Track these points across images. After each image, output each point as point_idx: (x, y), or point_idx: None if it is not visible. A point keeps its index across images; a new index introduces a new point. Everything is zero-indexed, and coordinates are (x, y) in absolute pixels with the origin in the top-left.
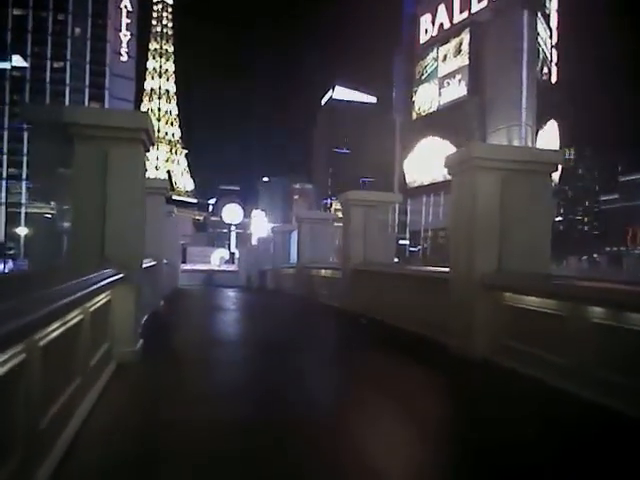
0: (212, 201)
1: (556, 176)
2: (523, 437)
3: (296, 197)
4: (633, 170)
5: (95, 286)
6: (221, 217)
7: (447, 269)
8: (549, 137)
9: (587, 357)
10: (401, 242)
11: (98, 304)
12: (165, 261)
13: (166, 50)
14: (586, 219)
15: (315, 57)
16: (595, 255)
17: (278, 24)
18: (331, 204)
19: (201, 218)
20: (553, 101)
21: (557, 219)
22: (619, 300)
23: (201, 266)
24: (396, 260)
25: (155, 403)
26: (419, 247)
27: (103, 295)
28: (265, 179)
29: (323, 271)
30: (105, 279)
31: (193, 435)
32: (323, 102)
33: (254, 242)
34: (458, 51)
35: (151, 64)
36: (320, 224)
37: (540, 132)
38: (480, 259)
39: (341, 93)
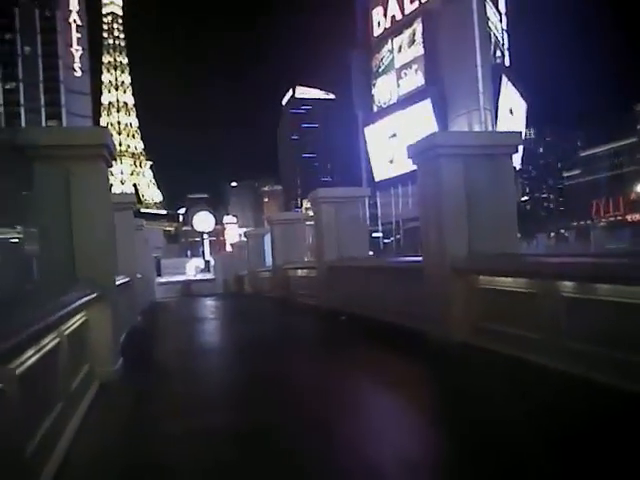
0: (182, 211)
1: (519, 157)
2: (505, 411)
3: (266, 200)
4: (592, 145)
5: (69, 308)
6: (192, 226)
7: (420, 257)
8: (513, 118)
9: (561, 331)
10: (374, 235)
11: (74, 326)
12: (139, 276)
13: (120, 62)
14: (551, 196)
15: (274, 57)
16: (563, 231)
17: (232, 25)
18: (301, 203)
19: (172, 229)
20: (510, 82)
21: (523, 199)
22: (586, 273)
23: (177, 277)
24: (371, 253)
25: (139, 421)
26: (392, 238)
27: (78, 316)
28: (234, 184)
29: (299, 271)
30: (78, 300)
31: (183, 452)
32: (284, 102)
33: (228, 248)
34: (412, 41)
35: (106, 77)
36: (292, 224)
37: (503, 114)
38: (450, 244)
39: (302, 92)
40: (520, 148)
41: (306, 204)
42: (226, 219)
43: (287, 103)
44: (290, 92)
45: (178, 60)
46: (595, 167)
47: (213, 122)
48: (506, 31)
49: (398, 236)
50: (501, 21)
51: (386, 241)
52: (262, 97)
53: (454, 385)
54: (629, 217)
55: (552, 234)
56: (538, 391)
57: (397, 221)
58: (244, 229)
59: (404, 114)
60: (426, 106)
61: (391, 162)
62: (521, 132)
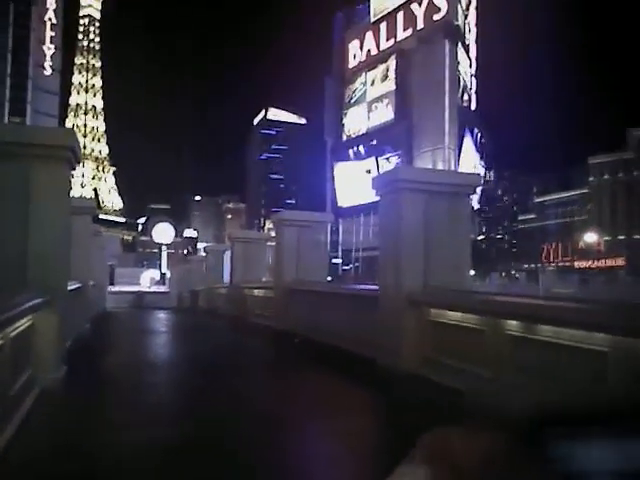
0: (142, 220)
1: (477, 197)
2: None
3: (229, 216)
4: (546, 192)
5: (15, 311)
6: (151, 237)
7: (376, 286)
8: (473, 159)
9: (505, 368)
10: (334, 261)
11: (19, 329)
12: (92, 283)
13: (93, 65)
14: (506, 237)
15: (248, 76)
16: (514, 272)
17: (212, 43)
18: (264, 223)
19: (130, 238)
20: (473, 126)
21: (480, 238)
22: (532, 313)
23: (130, 287)
24: (329, 279)
25: (76, 431)
26: (352, 265)
27: (24, 320)
28: (197, 198)
29: (256, 291)
30: (26, 303)
31: (114, 464)
32: (256, 122)
33: (186, 262)
34: (385, 77)
35: (77, 79)
36: (253, 243)
37: (463, 155)
38: (406, 276)
39: (274, 114)
40: (479, 189)
41: (269, 224)
42: (187, 232)
43: (258, 123)
44: (262, 113)
45: (152, 69)
46: (548, 213)
47: (181, 134)
48: (474, 76)
49: (357, 263)
50: (470, 66)
51: (345, 268)
52: (233, 114)
53: (391, 414)
54: (576, 264)
55: (504, 274)
56: (458, 417)
57: (357, 249)
58: (204, 244)
59: (372, 146)
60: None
61: (356, 191)
62: (479, 174)
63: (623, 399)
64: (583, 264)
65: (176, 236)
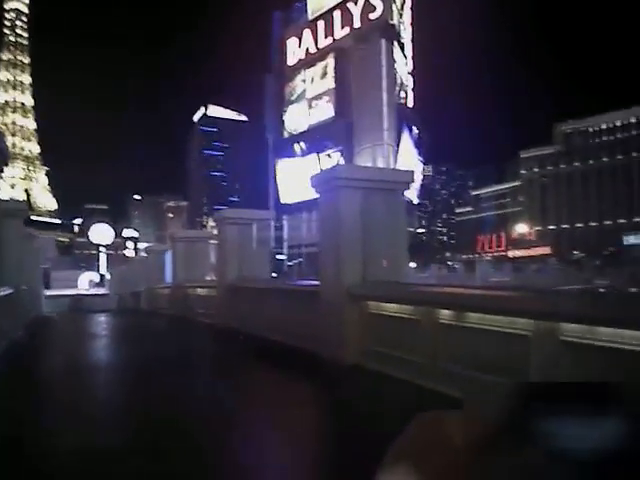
0: (78, 221)
1: (416, 191)
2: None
3: (170, 215)
4: (482, 185)
5: None
6: (89, 238)
7: (318, 282)
8: (411, 155)
9: (440, 355)
10: (279, 257)
11: None
12: (24, 287)
13: (21, 61)
14: (445, 230)
15: (188, 73)
16: (452, 263)
17: (149, 39)
18: (207, 222)
19: (67, 240)
20: (410, 123)
21: (420, 231)
22: (461, 302)
23: (67, 291)
24: (274, 275)
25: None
26: (296, 261)
27: None
28: (137, 197)
29: (199, 289)
30: None
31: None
32: (196, 119)
33: (126, 263)
34: (324, 74)
35: (4, 75)
36: (196, 242)
37: (402, 151)
38: (346, 271)
39: (214, 111)
40: (418, 184)
41: (211, 222)
42: (126, 232)
43: (198, 120)
44: (202, 110)
45: (87, 66)
46: (483, 206)
47: (119, 131)
48: (411, 74)
49: (301, 259)
50: (407, 64)
51: (290, 263)
52: (172, 111)
53: (336, 403)
54: (510, 253)
55: (444, 265)
56: (405, 407)
57: (301, 244)
58: (145, 244)
59: (313, 143)
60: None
61: (299, 187)
62: (413, 171)
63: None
64: (516, 253)
65: (115, 237)
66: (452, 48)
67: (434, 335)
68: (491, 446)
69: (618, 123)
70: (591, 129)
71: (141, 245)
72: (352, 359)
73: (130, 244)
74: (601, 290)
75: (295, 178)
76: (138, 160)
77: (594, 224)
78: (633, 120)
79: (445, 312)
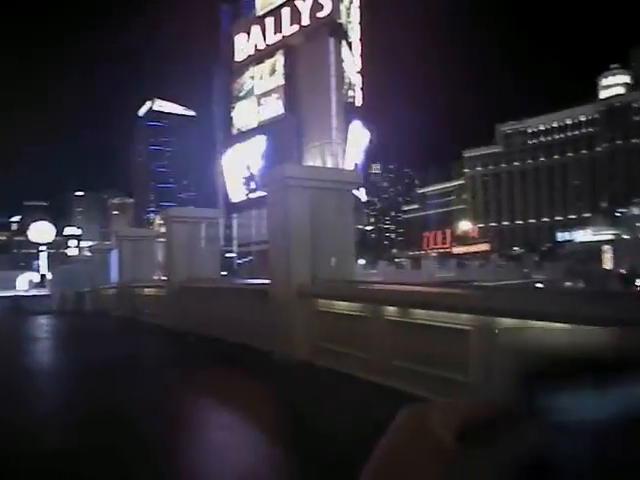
0: (16, 219)
1: (363, 189)
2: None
3: (115, 213)
4: (428, 183)
5: None
6: (28, 236)
7: (268, 280)
8: (359, 154)
9: (386, 350)
10: (228, 255)
11: None
12: None
13: None
14: (392, 227)
15: (133, 66)
16: (399, 259)
17: (90, 32)
18: (154, 220)
19: (4, 238)
20: (359, 122)
21: (369, 228)
22: (407, 300)
23: (4, 292)
24: (224, 274)
25: None
26: (246, 259)
27: None
28: (79, 193)
29: (147, 289)
30: None
31: None
32: (141, 113)
33: (70, 262)
34: (273, 71)
35: None
36: (143, 241)
37: (349, 149)
38: (295, 270)
39: (160, 105)
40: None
41: (159, 220)
42: (68, 231)
43: (144, 115)
44: (148, 104)
45: (23, 55)
46: (429, 204)
47: (60, 124)
48: (359, 73)
49: (251, 257)
50: (355, 63)
51: (239, 262)
52: (118, 106)
53: (285, 399)
54: (455, 250)
55: (392, 262)
56: (352, 401)
57: (251, 242)
58: (89, 242)
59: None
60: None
61: (247, 185)
62: (369, 170)
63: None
64: (460, 250)
65: (57, 235)
66: (400, 48)
67: (381, 331)
68: (482, 437)
69: (555, 124)
70: (530, 130)
71: (84, 244)
72: (302, 356)
73: (72, 243)
74: (538, 285)
75: (242, 175)
76: (81, 156)
77: (532, 221)
78: (569, 122)
79: (392, 309)
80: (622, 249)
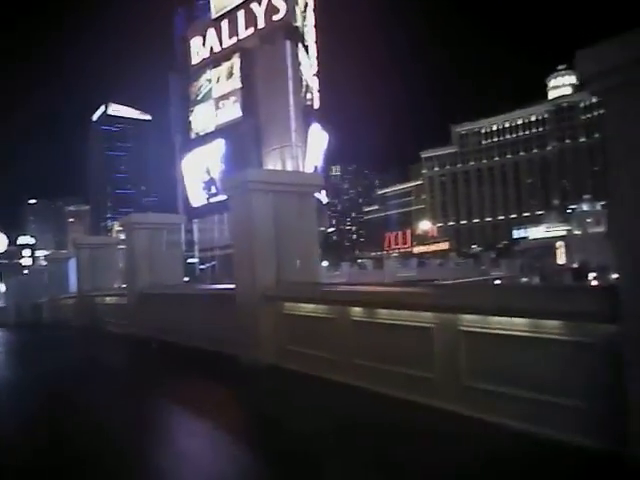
0: None
1: (324, 191)
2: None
3: (71, 220)
4: (387, 185)
5: None
6: None
7: (233, 285)
8: (319, 156)
9: (353, 351)
10: (190, 261)
11: None
12: None
13: None
14: (354, 228)
15: (87, 71)
16: (361, 260)
17: (39, 34)
18: (112, 227)
19: None
20: (317, 124)
21: (330, 230)
22: (372, 300)
23: None
24: (187, 279)
25: None
26: (208, 265)
27: None
28: (32, 201)
29: (108, 298)
30: None
31: None
32: (95, 118)
33: (25, 272)
34: (230, 74)
35: None
36: (102, 249)
37: (309, 152)
38: (260, 273)
39: (115, 110)
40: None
41: (117, 227)
42: (22, 240)
43: (98, 120)
44: (102, 108)
45: None
46: (389, 204)
47: (9, 129)
48: (316, 76)
49: (214, 262)
50: (312, 66)
51: (202, 267)
52: (69, 110)
53: (250, 402)
54: (415, 249)
55: (354, 263)
56: (315, 402)
57: (213, 247)
58: (44, 252)
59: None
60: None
61: (207, 189)
62: (328, 172)
63: None
64: (421, 249)
65: (9, 244)
66: (358, 51)
67: (347, 332)
68: None
69: (507, 125)
70: (483, 130)
71: (40, 253)
72: (268, 360)
73: (26, 252)
74: (496, 281)
75: (202, 180)
76: (33, 161)
77: (489, 219)
78: (520, 122)
79: (357, 310)
80: (574, 245)
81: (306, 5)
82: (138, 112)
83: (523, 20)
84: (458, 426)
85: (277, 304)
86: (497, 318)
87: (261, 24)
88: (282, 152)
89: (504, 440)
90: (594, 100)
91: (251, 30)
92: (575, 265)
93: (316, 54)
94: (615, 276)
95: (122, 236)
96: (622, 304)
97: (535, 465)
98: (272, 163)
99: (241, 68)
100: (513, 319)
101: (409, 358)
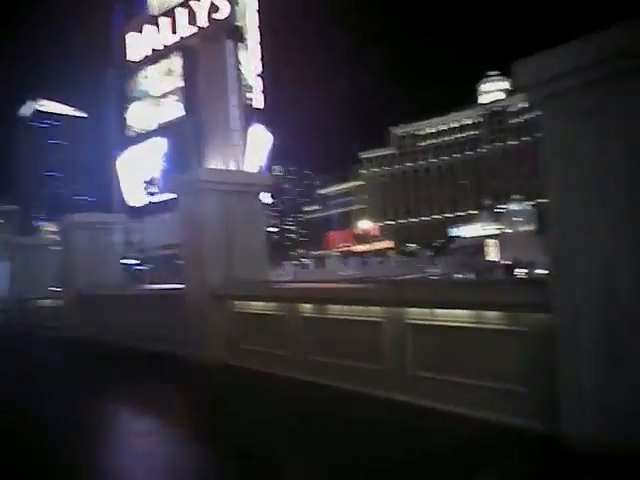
0: None
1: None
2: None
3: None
4: (328, 184)
5: None
6: None
7: (181, 285)
8: (261, 156)
9: (302, 347)
10: (129, 262)
11: None
12: None
13: None
14: (295, 228)
15: (16, 64)
16: (304, 259)
17: None
18: (44, 227)
19: None
20: (260, 124)
21: (273, 230)
22: (322, 296)
23: None
24: (126, 280)
25: None
26: (146, 266)
27: None
28: None
29: (44, 301)
30: None
31: None
32: (23, 114)
33: None
34: (170, 72)
35: None
36: (35, 249)
37: (251, 152)
38: (210, 272)
39: (48, 105)
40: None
41: (50, 228)
42: None
43: (26, 116)
44: (31, 104)
45: None
46: (330, 204)
47: None
48: (260, 76)
49: (152, 264)
50: (255, 66)
51: (141, 268)
52: None
53: (202, 401)
54: (357, 248)
55: (296, 262)
56: (268, 398)
57: (152, 247)
58: None
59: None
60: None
61: (147, 189)
62: (270, 173)
63: None
64: (362, 248)
65: None
66: (302, 53)
67: (298, 329)
68: None
69: (443, 127)
70: (420, 132)
71: None
72: (220, 358)
73: None
74: (433, 277)
75: (140, 179)
76: None
77: (427, 218)
78: (455, 125)
79: (307, 306)
80: (505, 242)
81: (247, 5)
82: (72, 109)
83: (457, 27)
84: (406, 415)
85: (227, 303)
86: (441, 311)
87: (202, 23)
88: (224, 151)
89: (450, 426)
90: (524, 105)
91: (192, 28)
92: (508, 261)
93: (260, 55)
94: (541, 271)
95: (55, 237)
96: (554, 295)
97: (476, 447)
98: (214, 162)
99: (183, 67)
100: (456, 311)
101: (360, 352)
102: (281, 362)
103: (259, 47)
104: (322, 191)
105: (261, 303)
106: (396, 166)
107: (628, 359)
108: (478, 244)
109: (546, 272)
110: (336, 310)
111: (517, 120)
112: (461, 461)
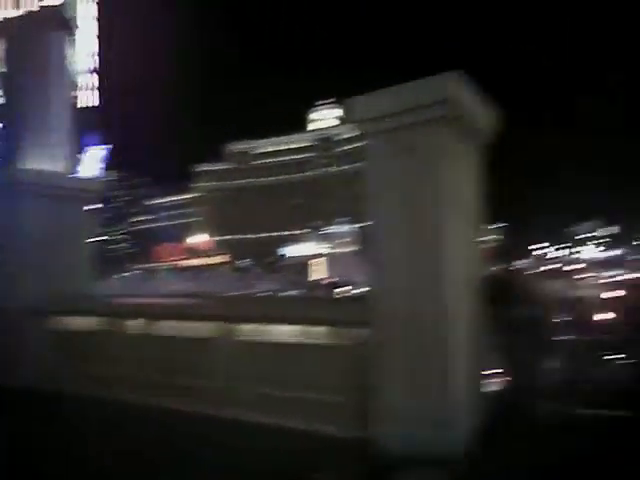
0: None
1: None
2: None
3: None
4: (162, 195)
5: None
6: None
7: None
8: (93, 160)
9: (128, 365)
10: None
11: None
12: None
13: None
14: (123, 238)
15: None
16: (131, 272)
17: None
18: None
19: None
20: (93, 126)
21: (101, 239)
22: (149, 312)
23: None
24: None
25: None
26: None
27: None
28: None
29: None
30: None
31: None
32: None
33: None
34: None
35: None
36: None
37: (86, 154)
38: (26, 285)
39: None
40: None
41: None
42: None
43: None
44: None
45: None
46: (163, 215)
47: None
48: (96, 72)
49: None
50: (93, 62)
51: None
52: None
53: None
54: (190, 262)
55: (125, 274)
56: (91, 428)
57: None
58: None
59: None
60: None
61: None
62: (102, 179)
63: None
64: (196, 262)
65: None
66: (143, 51)
67: (123, 345)
68: None
69: (279, 147)
70: (256, 151)
71: None
72: (27, 380)
73: None
74: (263, 294)
75: None
76: None
77: (261, 235)
78: (292, 146)
79: (136, 323)
80: (332, 262)
81: None
82: None
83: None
84: (231, 430)
85: (44, 319)
86: (270, 327)
87: (28, 8)
88: (45, 151)
89: (273, 438)
90: (352, 134)
91: (17, 13)
92: (333, 279)
93: (97, 49)
94: (364, 289)
95: None
96: (371, 312)
97: (294, 457)
98: (36, 163)
99: (5, 51)
100: (283, 328)
101: (189, 369)
102: (106, 383)
103: (97, 41)
104: (154, 201)
105: (86, 318)
106: (232, 181)
107: (424, 374)
108: (305, 263)
109: (365, 290)
110: (165, 326)
111: (347, 147)
112: (282, 469)
